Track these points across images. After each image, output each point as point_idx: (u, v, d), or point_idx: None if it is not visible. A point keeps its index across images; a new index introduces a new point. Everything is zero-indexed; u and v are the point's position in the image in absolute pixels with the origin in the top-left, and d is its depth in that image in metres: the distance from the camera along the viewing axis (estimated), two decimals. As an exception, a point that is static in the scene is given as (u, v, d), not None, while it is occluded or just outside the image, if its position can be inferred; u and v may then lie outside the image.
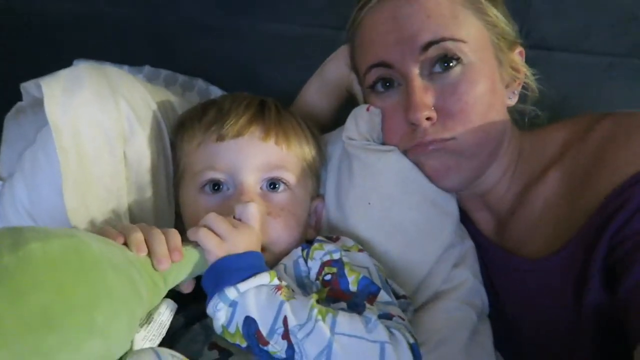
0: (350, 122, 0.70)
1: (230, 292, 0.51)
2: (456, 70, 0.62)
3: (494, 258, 0.68)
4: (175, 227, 0.65)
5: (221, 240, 0.53)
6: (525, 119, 0.72)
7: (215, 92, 0.96)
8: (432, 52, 0.62)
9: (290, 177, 0.65)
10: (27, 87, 0.66)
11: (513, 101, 0.69)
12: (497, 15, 0.65)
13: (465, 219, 0.72)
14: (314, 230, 0.70)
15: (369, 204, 0.66)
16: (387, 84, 0.66)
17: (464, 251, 0.69)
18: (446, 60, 0.62)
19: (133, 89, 0.67)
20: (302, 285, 0.59)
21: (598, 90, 0.96)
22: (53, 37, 0.99)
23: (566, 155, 0.64)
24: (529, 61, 0.93)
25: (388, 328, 0.50)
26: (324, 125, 0.82)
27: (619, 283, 0.51)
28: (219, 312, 0.51)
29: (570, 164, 0.63)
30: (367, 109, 0.69)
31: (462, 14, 0.63)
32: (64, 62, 0.70)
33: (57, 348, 0.38)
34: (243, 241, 0.54)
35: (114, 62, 0.94)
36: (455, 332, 0.62)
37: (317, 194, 0.73)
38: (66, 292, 0.40)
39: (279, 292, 0.51)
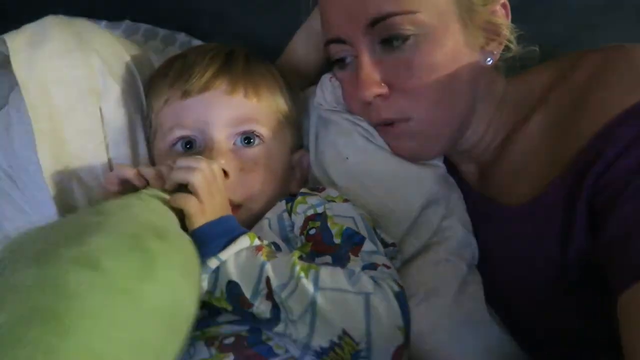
0: (318, 90, 0.68)
1: (212, 262, 0.50)
2: (409, 42, 0.58)
3: (479, 208, 0.67)
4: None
5: (201, 205, 0.51)
6: (516, 63, 0.68)
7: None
8: (379, 28, 0.58)
9: (263, 130, 0.62)
10: (-6, 45, 0.63)
11: (492, 62, 0.63)
12: None
13: (452, 170, 0.71)
14: (298, 183, 0.68)
15: (347, 159, 0.65)
16: (345, 57, 0.64)
17: (453, 202, 0.67)
18: (395, 37, 0.58)
19: (105, 42, 0.65)
20: (287, 240, 0.59)
21: (597, 30, 0.92)
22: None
23: (550, 97, 0.61)
24: (527, 4, 0.90)
25: (373, 278, 0.49)
26: (315, 78, 0.80)
27: (602, 228, 0.50)
28: (202, 281, 0.50)
29: (554, 105, 0.60)
30: (330, 79, 0.67)
31: None
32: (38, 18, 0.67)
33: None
34: (218, 205, 0.53)
35: (91, 17, 0.91)
36: (444, 283, 0.62)
37: (301, 146, 0.71)
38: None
39: (260, 252, 0.50)
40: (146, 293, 0.38)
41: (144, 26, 0.93)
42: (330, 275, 0.48)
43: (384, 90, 0.60)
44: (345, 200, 0.61)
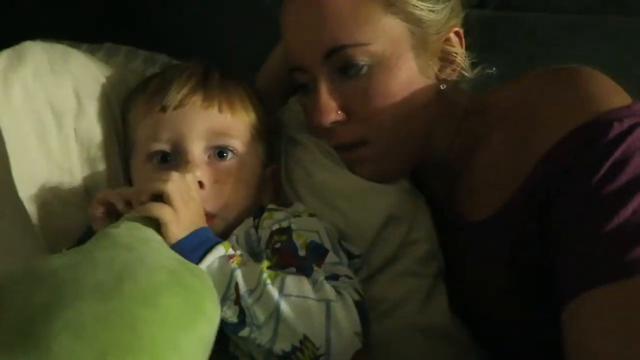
0: (285, 112, 0.72)
1: None
2: (364, 72, 0.61)
3: (446, 221, 0.69)
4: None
5: (176, 213, 0.53)
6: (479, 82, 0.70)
7: (179, 66, 0.95)
8: (335, 59, 0.61)
9: (237, 144, 0.65)
10: (-28, 69, 0.65)
11: (447, 86, 0.65)
12: (415, 4, 0.61)
13: (420, 184, 0.73)
14: (270, 197, 0.70)
15: (312, 175, 0.68)
16: (307, 84, 0.67)
17: (418, 216, 0.69)
18: (350, 67, 0.61)
19: (80, 65, 0.67)
20: (254, 254, 0.60)
21: (564, 49, 0.95)
22: (13, 19, 0.97)
23: (508, 116, 0.63)
24: (493, 24, 0.93)
25: (335, 288, 0.52)
26: (289, 94, 0.82)
27: (549, 245, 0.52)
28: None
29: (511, 125, 0.62)
30: (296, 102, 0.71)
31: (366, 10, 0.60)
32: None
33: None
34: (193, 214, 0.55)
35: (74, 39, 0.94)
36: (409, 295, 0.63)
37: (273, 161, 0.73)
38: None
39: (231, 260, 0.52)
40: (198, 325, 0.43)
41: (125, 48, 0.94)
42: (295, 282, 0.51)
43: (340, 117, 0.63)
44: (311, 215, 0.63)
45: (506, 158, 0.61)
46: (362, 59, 0.60)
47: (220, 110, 0.64)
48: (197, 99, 0.63)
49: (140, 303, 0.40)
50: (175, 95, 0.62)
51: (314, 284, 0.51)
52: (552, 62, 0.94)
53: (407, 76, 0.62)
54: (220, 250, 0.53)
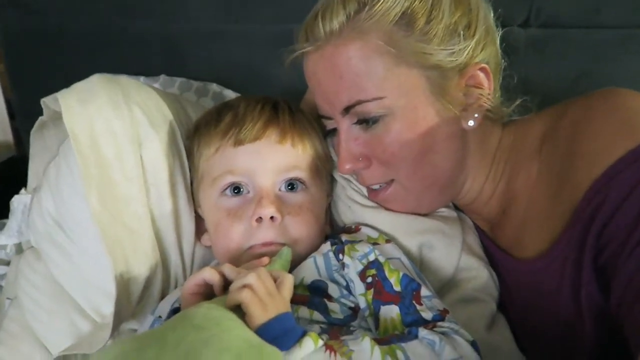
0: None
1: None
2: (380, 122, 0.62)
3: (493, 256, 0.68)
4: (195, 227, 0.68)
5: (262, 303, 0.49)
6: (512, 113, 0.67)
7: (229, 95, 0.98)
8: (352, 114, 0.63)
9: (306, 176, 0.66)
10: (47, 102, 0.69)
11: (474, 123, 0.63)
12: (428, 51, 0.59)
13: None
14: (328, 226, 0.72)
15: (350, 208, 0.72)
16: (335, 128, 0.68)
17: (468, 241, 0.69)
18: (367, 120, 0.63)
19: (146, 96, 0.70)
20: (333, 280, 0.61)
21: (615, 64, 0.94)
22: (72, 53, 1.03)
23: (543, 148, 0.62)
24: (541, 42, 0.93)
25: (447, 335, 0.50)
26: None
27: (609, 288, 0.50)
28: None
29: (547, 156, 0.61)
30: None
31: (378, 64, 0.60)
32: (82, 76, 0.72)
33: None
34: (278, 305, 0.50)
35: (130, 73, 0.98)
36: (474, 320, 0.63)
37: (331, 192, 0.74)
38: None
39: (333, 354, 0.48)
40: None
41: (179, 79, 0.98)
42: (417, 353, 0.49)
43: (361, 164, 0.65)
44: (387, 241, 0.64)
45: (549, 192, 0.59)
46: (378, 112, 0.61)
47: (292, 145, 0.66)
48: (271, 132, 0.65)
49: None
50: (250, 130, 0.64)
51: (433, 346, 0.49)
52: (604, 78, 0.94)
53: (425, 122, 0.62)
54: (309, 345, 0.48)
